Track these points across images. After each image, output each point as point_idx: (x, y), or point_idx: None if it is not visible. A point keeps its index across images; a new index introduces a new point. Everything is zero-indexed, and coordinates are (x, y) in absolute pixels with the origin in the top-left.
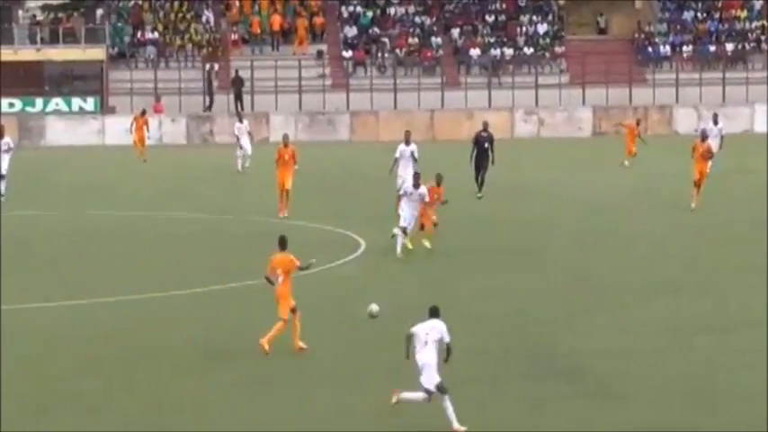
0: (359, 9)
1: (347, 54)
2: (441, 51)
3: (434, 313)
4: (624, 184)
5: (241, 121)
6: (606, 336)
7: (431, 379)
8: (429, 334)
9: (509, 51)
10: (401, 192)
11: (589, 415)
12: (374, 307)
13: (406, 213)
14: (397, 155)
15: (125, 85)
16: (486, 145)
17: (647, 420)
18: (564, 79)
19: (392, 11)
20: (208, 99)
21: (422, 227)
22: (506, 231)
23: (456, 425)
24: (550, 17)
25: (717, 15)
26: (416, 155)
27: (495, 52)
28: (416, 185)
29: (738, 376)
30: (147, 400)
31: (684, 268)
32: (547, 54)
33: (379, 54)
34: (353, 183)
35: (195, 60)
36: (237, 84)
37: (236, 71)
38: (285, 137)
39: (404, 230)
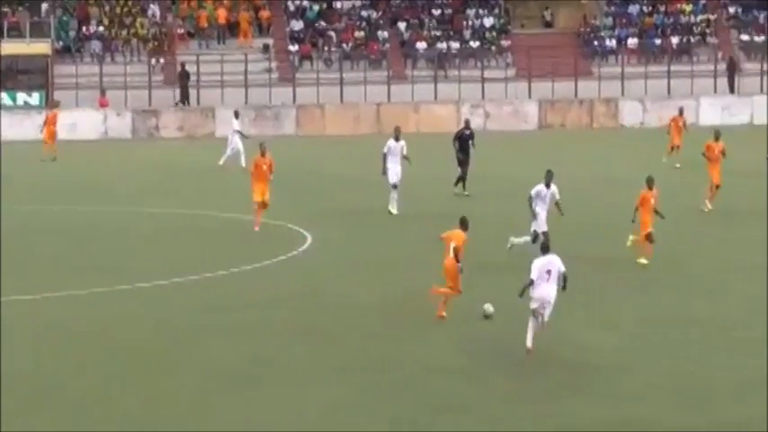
0: (305, 3)
1: (293, 48)
2: (387, 45)
3: (545, 249)
4: (580, 176)
5: (237, 117)
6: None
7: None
8: (550, 271)
9: (455, 45)
10: (532, 193)
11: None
12: (489, 308)
13: (542, 216)
14: (386, 150)
15: (70, 79)
16: (470, 142)
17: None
18: (510, 73)
19: (338, 5)
20: (179, 94)
21: (648, 237)
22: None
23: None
24: (497, 11)
25: (662, 9)
26: (405, 151)
27: (442, 46)
28: (548, 185)
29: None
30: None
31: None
32: (493, 47)
33: (326, 48)
34: (299, 177)
35: (141, 55)
36: (183, 78)
37: (183, 65)
38: (262, 146)
39: (536, 236)
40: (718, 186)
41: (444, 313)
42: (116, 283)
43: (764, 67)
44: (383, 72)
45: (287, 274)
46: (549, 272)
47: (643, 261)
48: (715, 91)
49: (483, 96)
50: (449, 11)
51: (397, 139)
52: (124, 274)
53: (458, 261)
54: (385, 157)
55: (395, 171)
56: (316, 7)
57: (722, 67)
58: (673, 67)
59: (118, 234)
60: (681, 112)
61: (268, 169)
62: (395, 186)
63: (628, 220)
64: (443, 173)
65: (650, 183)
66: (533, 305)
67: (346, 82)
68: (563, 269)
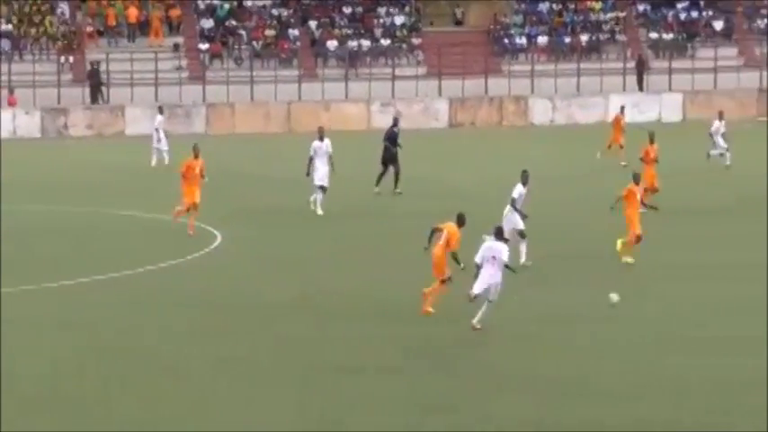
0: (215, 1)
1: (204, 46)
2: (298, 43)
3: (498, 234)
4: (492, 174)
5: (162, 113)
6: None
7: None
8: (495, 257)
9: (366, 43)
10: (515, 195)
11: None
12: (614, 297)
13: (521, 217)
14: (312, 152)
15: None
16: (399, 140)
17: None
18: (421, 71)
19: (249, 3)
20: (90, 92)
21: (638, 238)
22: (388, 223)
23: (476, 321)
24: (407, 9)
25: (572, 7)
26: (330, 149)
27: (353, 44)
28: (524, 184)
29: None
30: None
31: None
32: (404, 46)
33: (236, 46)
34: (210, 176)
35: (50, 53)
36: (95, 76)
37: (93, 64)
38: (196, 148)
39: (521, 234)
40: (655, 190)
41: (431, 309)
42: (21, 282)
43: (673, 65)
44: (294, 70)
45: (195, 273)
46: (494, 257)
47: (629, 260)
48: (624, 89)
49: (393, 95)
50: (359, 9)
51: (321, 140)
52: (32, 273)
53: (455, 259)
54: (311, 159)
55: (323, 172)
56: (226, 6)
57: (631, 64)
58: (582, 65)
59: (25, 233)
60: (622, 110)
61: (200, 172)
62: (321, 188)
63: (557, 217)
64: (356, 172)
65: (636, 178)
66: (476, 290)
67: (257, 80)
68: (506, 259)
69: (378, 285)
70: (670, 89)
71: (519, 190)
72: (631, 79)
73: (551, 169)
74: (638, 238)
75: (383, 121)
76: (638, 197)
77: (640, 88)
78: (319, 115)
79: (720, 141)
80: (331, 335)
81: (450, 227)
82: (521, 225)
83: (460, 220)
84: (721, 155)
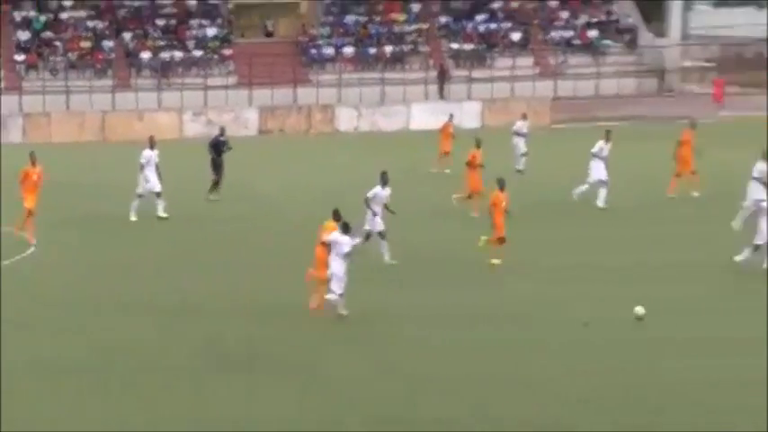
0: (32, 13)
1: (20, 57)
2: (113, 54)
3: (345, 229)
4: (301, 179)
5: None
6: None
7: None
8: (333, 249)
9: (179, 54)
10: (369, 194)
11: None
12: (640, 310)
13: (376, 216)
14: (143, 161)
15: None
16: (224, 149)
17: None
18: (231, 81)
19: (65, 15)
20: None
21: (501, 240)
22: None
23: (328, 295)
24: (219, 21)
25: (377, 19)
26: (158, 159)
27: (166, 55)
28: (384, 186)
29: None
30: None
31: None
32: (216, 57)
33: (52, 57)
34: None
35: None
36: None
37: None
38: (33, 156)
39: (368, 236)
40: (481, 194)
41: (316, 305)
42: None
43: (472, 74)
44: (108, 81)
45: (10, 278)
46: (333, 250)
47: (496, 261)
48: (426, 97)
49: (205, 104)
50: (173, 21)
51: (152, 148)
52: None
53: (329, 250)
54: (142, 167)
55: (154, 179)
56: (42, 18)
57: (433, 74)
58: (387, 75)
59: None
60: (450, 118)
61: (39, 179)
62: (157, 194)
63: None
64: (169, 179)
65: (501, 184)
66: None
67: (72, 90)
68: (345, 250)
69: (196, 288)
70: (469, 98)
71: (375, 191)
72: (433, 88)
73: (357, 174)
74: (501, 240)
75: (195, 130)
76: (504, 204)
77: (441, 97)
78: (133, 124)
79: (521, 144)
80: (147, 337)
81: (329, 226)
82: (381, 227)
83: (336, 215)
84: (522, 155)
